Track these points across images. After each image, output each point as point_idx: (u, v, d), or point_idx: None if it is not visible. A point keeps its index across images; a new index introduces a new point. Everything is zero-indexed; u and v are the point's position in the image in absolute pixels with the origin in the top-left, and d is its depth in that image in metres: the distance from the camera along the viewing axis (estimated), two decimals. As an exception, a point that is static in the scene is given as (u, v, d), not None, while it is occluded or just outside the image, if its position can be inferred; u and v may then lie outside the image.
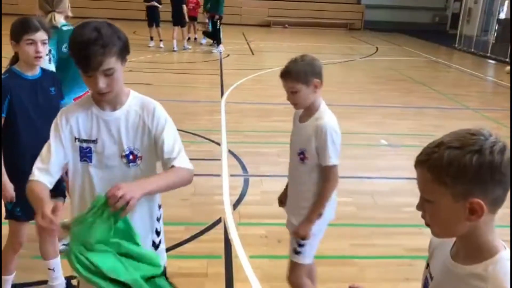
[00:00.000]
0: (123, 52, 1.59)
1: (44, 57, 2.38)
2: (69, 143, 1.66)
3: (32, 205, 1.49)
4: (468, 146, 1.05)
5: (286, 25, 19.34)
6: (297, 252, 2.36)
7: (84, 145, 1.66)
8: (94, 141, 1.66)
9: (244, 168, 4.75)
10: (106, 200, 1.40)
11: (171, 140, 1.67)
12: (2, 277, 2.61)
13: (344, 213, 3.94)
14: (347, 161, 5.09)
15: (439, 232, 1.16)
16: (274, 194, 4.28)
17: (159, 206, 1.88)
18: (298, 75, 2.21)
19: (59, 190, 2.44)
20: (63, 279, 2.79)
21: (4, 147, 2.31)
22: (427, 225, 1.16)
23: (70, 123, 1.66)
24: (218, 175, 4.46)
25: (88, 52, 1.50)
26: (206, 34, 13.01)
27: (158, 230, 1.87)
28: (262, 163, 4.90)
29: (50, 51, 2.82)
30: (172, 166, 1.63)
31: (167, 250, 3.14)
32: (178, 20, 11.94)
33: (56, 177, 1.64)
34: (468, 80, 10.47)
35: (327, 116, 2.37)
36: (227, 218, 3.72)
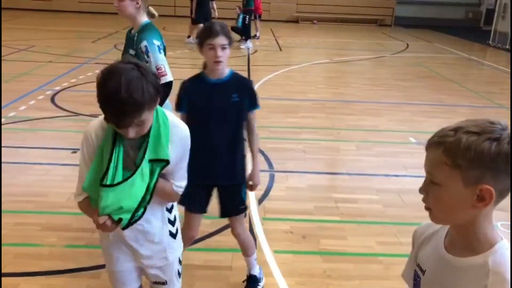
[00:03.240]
0: (155, 100, 1.57)
1: (224, 61, 2.37)
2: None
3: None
4: (487, 133, 1.05)
5: (315, 21, 19.20)
6: None
7: None
8: None
9: (269, 163, 4.76)
10: None
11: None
12: None
13: (371, 211, 3.92)
14: (374, 159, 5.05)
15: (441, 217, 1.15)
16: (300, 191, 4.31)
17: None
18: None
19: None
20: None
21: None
22: (427, 209, 1.15)
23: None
24: (244, 170, 4.48)
25: (119, 111, 1.47)
26: (234, 29, 13.04)
27: (172, 219, 1.90)
28: (288, 159, 4.90)
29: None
30: None
31: (194, 242, 3.21)
32: (204, 17, 11.59)
33: None
34: (502, 77, 10.16)
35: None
36: (252, 212, 3.74)
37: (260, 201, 3.97)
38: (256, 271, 2.86)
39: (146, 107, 1.51)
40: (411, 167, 4.80)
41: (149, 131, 1.63)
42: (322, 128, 5.98)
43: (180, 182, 1.81)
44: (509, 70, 10.35)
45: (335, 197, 4.13)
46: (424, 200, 1.15)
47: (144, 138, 1.64)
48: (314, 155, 5.10)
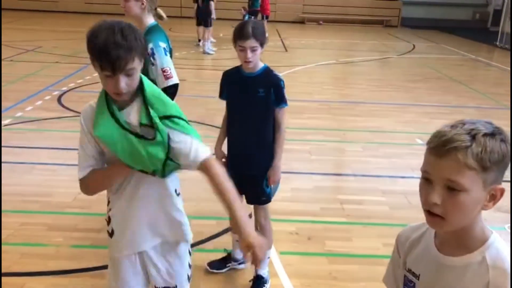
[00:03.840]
0: (143, 51, 1.64)
1: (254, 61, 2.51)
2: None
3: None
4: (498, 134, 1.08)
5: (321, 22, 19.18)
6: None
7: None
8: None
9: (275, 164, 4.75)
10: None
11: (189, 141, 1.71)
12: None
13: (377, 212, 3.90)
14: (381, 160, 5.03)
15: (456, 223, 1.10)
16: (305, 192, 4.30)
17: (178, 193, 1.88)
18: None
19: None
20: None
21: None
22: (437, 216, 1.09)
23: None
24: (250, 171, 4.48)
25: (114, 55, 1.52)
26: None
27: (180, 209, 1.89)
28: (293, 160, 4.89)
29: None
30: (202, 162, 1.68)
31: (200, 243, 3.21)
32: (204, 19, 11.42)
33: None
34: (510, 79, 10.10)
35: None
36: (258, 214, 3.73)
37: (265, 202, 3.96)
38: (264, 272, 2.87)
39: (138, 53, 1.58)
40: (417, 169, 4.69)
41: (143, 93, 1.67)
42: (328, 129, 5.97)
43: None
44: (517, 71, 10.28)
45: (341, 198, 4.12)
46: (433, 209, 1.09)
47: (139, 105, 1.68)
48: (320, 156, 5.08)
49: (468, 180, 1.07)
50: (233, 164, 2.68)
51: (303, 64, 10.46)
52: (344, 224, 3.69)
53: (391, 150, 5.29)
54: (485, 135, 1.06)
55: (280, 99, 2.57)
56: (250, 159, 2.66)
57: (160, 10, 3.11)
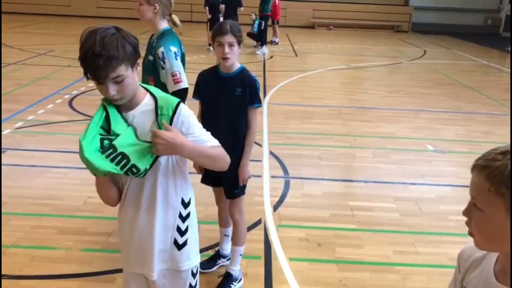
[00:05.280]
0: (131, 58, 1.60)
1: (231, 58, 2.57)
2: None
3: None
4: None
5: (331, 27, 19.16)
6: None
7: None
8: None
9: (285, 170, 4.74)
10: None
11: (198, 131, 1.76)
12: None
13: (388, 219, 3.86)
14: (392, 166, 5.00)
15: (483, 244, 1.08)
16: (315, 198, 4.28)
17: (186, 204, 1.84)
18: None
19: None
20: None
21: None
22: (470, 234, 1.08)
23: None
24: (259, 176, 4.47)
25: (93, 65, 1.53)
26: (250, 35, 13.08)
27: (182, 229, 1.83)
28: (304, 166, 4.87)
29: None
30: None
31: (208, 248, 3.20)
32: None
33: None
34: (510, 80, 10.00)
35: None
36: (267, 219, 3.72)
37: (275, 207, 3.94)
38: (234, 270, 2.91)
39: (121, 61, 1.56)
40: (428, 175, 4.73)
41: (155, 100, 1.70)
42: (338, 134, 5.94)
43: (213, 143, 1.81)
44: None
45: (351, 204, 4.09)
46: (467, 224, 1.08)
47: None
48: (330, 161, 5.06)
49: (485, 201, 1.02)
50: None
51: (313, 69, 10.45)
52: (355, 231, 3.66)
53: (402, 157, 5.25)
54: None
55: (253, 99, 2.65)
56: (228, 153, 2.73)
57: (174, 17, 3.12)
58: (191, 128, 1.73)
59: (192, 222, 1.87)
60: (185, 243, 1.84)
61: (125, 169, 1.63)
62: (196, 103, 2.78)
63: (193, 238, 1.89)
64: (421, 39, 17.36)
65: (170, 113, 1.69)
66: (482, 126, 6.57)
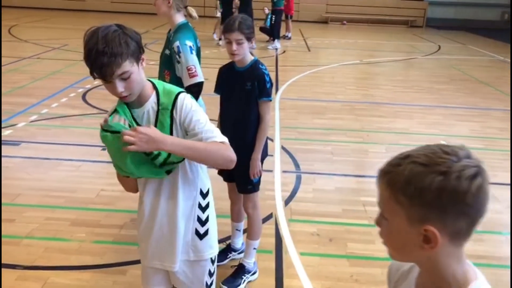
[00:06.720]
0: (135, 53, 1.60)
1: (240, 54, 2.59)
2: None
3: None
4: (435, 165, 0.89)
5: (344, 22, 19.02)
6: None
7: None
8: None
9: (297, 165, 4.72)
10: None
11: (202, 125, 1.69)
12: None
13: (399, 215, 3.83)
14: (404, 162, 4.95)
15: (394, 254, 1.01)
16: (327, 193, 4.26)
17: (204, 194, 1.86)
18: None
19: None
20: None
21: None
22: (384, 243, 1.01)
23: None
24: (270, 171, 4.46)
25: (98, 63, 1.53)
26: (263, 30, 13.04)
27: (202, 219, 1.86)
28: (316, 161, 4.85)
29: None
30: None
31: (219, 242, 3.20)
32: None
33: None
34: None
35: None
36: (279, 214, 3.71)
37: (286, 202, 3.94)
38: (248, 262, 2.91)
39: (125, 57, 1.55)
40: None
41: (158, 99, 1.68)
42: (351, 130, 5.90)
43: (214, 138, 1.70)
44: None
45: (363, 200, 4.06)
46: (379, 233, 1.01)
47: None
48: (342, 157, 5.03)
49: (388, 209, 0.95)
50: None
51: (326, 64, 10.38)
52: (366, 226, 3.64)
53: (415, 152, 5.20)
54: (412, 162, 0.90)
55: (262, 92, 2.63)
56: (237, 150, 2.71)
57: (190, 9, 3.12)
58: (192, 123, 1.68)
59: (211, 212, 1.90)
60: (206, 233, 1.88)
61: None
62: (213, 98, 2.80)
63: (213, 228, 1.92)
64: (436, 34, 17.15)
65: (170, 107, 1.68)
66: (498, 123, 6.48)
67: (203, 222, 1.86)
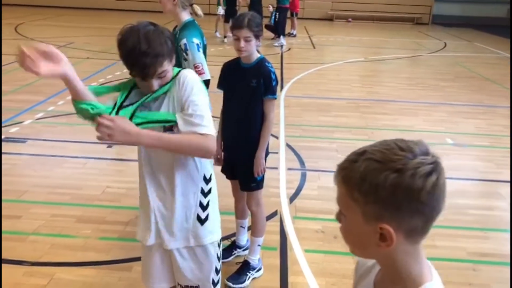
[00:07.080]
0: (172, 52, 1.63)
1: (247, 50, 2.59)
2: None
3: None
4: (390, 162, 0.87)
5: (350, 19, 18.96)
6: None
7: None
8: None
9: (301, 162, 4.72)
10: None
11: (196, 107, 1.66)
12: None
13: (404, 213, 3.82)
14: (409, 159, 4.93)
15: (353, 250, 1.00)
16: (332, 190, 4.21)
17: (207, 180, 1.87)
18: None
19: None
20: None
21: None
22: (344, 240, 1.00)
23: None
24: (275, 168, 4.46)
25: (141, 64, 1.54)
26: (268, 27, 13.02)
27: (204, 204, 1.86)
28: (320, 158, 4.85)
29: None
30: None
31: (223, 239, 3.21)
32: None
33: None
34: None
35: None
36: (283, 211, 3.72)
37: (291, 199, 3.94)
38: (252, 259, 2.91)
39: (166, 56, 1.58)
40: (447, 169, 4.52)
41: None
42: (356, 127, 5.90)
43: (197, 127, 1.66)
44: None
45: (368, 197, 4.05)
46: (340, 229, 1.00)
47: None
48: (347, 154, 5.01)
49: (344, 205, 0.95)
50: (226, 152, 2.82)
51: (331, 61, 10.37)
52: (371, 223, 3.64)
53: (420, 150, 5.18)
54: (368, 159, 0.89)
55: (267, 90, 2.62)
56: (240, 147, 2.76)
57: (196, 7, 3.13)
58: (187, 102, 1.65)
59: (213, 198, 1.90)
60: (207, 218, 1.88)
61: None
62: (218, 96, 2.80)
63: (215, 213, 1.92)
64: (442, 31, 17.07)
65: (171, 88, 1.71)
66: (504, 120, 6.44)
67: (204, 207, 1.86)
